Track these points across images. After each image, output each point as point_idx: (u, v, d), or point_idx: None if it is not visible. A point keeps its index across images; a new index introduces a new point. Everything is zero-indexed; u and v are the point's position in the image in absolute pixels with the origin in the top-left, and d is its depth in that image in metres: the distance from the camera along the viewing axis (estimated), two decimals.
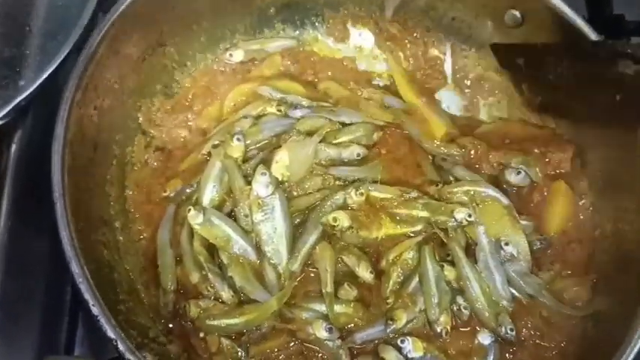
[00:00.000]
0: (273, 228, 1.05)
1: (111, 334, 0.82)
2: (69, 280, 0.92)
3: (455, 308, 1.04)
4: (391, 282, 1.04)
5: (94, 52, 1.01)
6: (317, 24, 1.28)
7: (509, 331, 1.01)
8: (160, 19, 1.13)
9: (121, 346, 0.82)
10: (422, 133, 1.18)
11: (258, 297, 1.02)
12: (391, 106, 1.21)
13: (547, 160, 1.13)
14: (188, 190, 1.11)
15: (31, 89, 0.98)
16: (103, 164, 1.08)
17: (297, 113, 1.16)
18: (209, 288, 1.02)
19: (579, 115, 1.12)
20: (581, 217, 1.12)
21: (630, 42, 1.05)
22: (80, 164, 0.99)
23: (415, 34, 1.27)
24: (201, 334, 1.00)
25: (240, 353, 0.99)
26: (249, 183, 1.06)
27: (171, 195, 1.11)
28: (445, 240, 1.06)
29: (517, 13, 1.14)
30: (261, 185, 1.05)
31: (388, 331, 1.00)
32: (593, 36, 1.07)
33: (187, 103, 1.20)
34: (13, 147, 1.04)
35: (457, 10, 1.21)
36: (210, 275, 1.03)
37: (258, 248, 1.05)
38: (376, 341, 1.01)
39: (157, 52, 1.16)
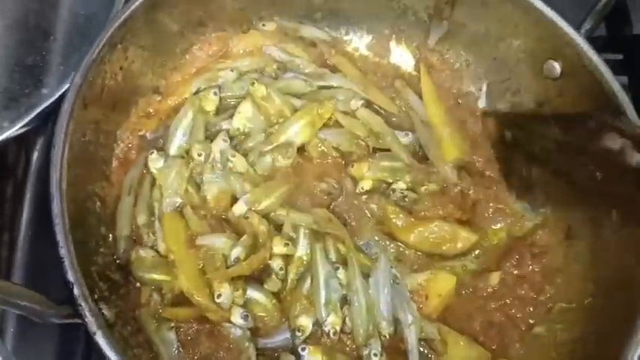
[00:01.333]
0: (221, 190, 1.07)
1: (70, 277, 0.83)
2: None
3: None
4: (289, 281, 1.03)
5: (132, 14, 1.03)
6: (361, 37, 1.29)
7: (372, 357, 0.98)
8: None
9: (76, 291, 0.82)
10: (433, 147, 1.18)
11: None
12: (411, 107, 1.22)
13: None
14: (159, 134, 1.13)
15: (54, 98, 1.01)
16: (117, 121, 1.10)
17: (288, 75, 1.19)
18: (150, 234, 1.03)
19: (562, 192, 1.08)
20: None
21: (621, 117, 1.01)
22: (93, 116, 1.01)
23: (455, 67, 1.27)
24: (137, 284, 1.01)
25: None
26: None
27: (147, 135, 1.12)
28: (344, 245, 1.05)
29: (556, 66, 1.12)
30: (220, 149, 1.07)
31: (296, 342, 0.99)
32: (629, 106, 1.03)
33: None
34: (35, 154, 1.09)
35: (500, 52, 1.20)
36: (157, 223, 1.04)
37: None
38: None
39: (197, 31, 1.18)
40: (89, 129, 1.00)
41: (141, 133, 1.13)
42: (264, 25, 1.24)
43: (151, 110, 1.15)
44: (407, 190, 1.14)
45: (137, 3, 1.03)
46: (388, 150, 1.16)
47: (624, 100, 1.03)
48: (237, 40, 1.23)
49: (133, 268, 1.01)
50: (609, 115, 0.98)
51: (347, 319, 1.01)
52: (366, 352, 0.98)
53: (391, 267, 1.05)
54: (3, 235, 1.09)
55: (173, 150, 1.10)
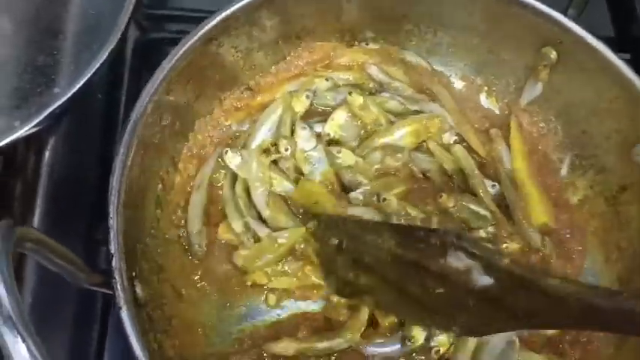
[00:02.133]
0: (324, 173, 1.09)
1: (112, 248, 0.85)
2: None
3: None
4: None
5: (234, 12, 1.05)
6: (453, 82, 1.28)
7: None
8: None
9: (114, 263, 0.84)
10: (518, 206, 1.14)
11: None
12: (501, 159, 1.19)
13: None
14: (242, 127, 1.16)
15: (66, 97, 1.00)
16: (197, 111, 1.13)
17: (385, 95, 1.19)
18: (249, 237, 1.06)
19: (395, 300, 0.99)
20: None
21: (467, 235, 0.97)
22: (175, 102, 1.04)
23: (542, 132, 1.23)
24: None
25: None
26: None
27: (232, 126, 1.15)
28: None
29: None
30: (303, 139, 1.09)
31: (404, 350, 0.99)
32: None
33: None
34: (47, 154, 1.10)
35: (590, 125, 1.16)
36: (249, 220, 1.06)
37: None
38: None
39: (293, 43, 1.21)
40: (168, 113, 1.03)
41: (227, 123, 1.16)
42: (367, 44, 1.25)
43: (240, 105, 1.18)
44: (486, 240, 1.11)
45: (242, 2, 1.05)
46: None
47: None
48: (340, 53, 1.24)
49: (247, 266, 1.05)
50: (454, 235, 0.90)
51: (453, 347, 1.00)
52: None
53: None
54: None
55: (256, 143, 1.12)
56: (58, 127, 1.14)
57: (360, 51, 1.24)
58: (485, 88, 1.26)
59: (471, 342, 1.00)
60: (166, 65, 0.99)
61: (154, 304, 0.97)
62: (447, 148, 1.18)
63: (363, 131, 1.14)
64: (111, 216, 0.87)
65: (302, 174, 1.11)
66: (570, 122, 1.19)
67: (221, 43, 1.08)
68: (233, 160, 1.09)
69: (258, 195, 1.08)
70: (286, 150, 1.09)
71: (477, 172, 1.15)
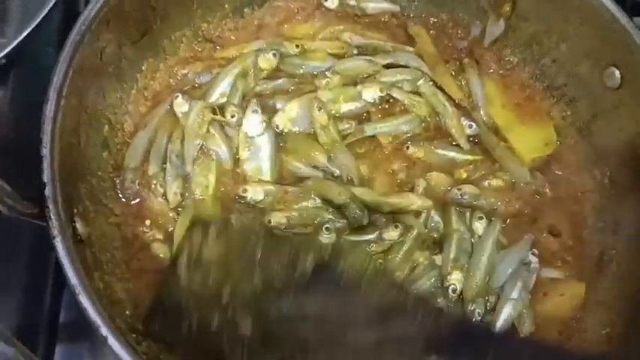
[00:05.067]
0: (258, 167, 1.03)
1: (44, 177, 0.80)
2: None
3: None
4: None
5: None
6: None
7: (476, 315, 0.97)
8: None
9: (47, 191, 0.79)
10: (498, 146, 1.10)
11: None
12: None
13: None
14: (202, 79, 1.11)
15: (12, 46, 0.99)
16: (144, 53, 1.08)
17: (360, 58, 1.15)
18: (159, 186, 1.01)
19: None
20: None
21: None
22: (116, 36, 0.99)
23: (507, 67, 1.19)
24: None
25: None
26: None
27: (189, 75, 1.11)
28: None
29: (617, 74, 1.03)
30: (251, 123, 1.03)
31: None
32: None
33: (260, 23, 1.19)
34: None
35: (560, 53, 1.12)
36: (169, 166, 1.01)
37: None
38: None
39: None
40: (108, 48, 0.98)
41: (184, 71, 1.11)
42: (326, 0, 1.20)
43: (201, 55, 1.14)
44: (466, 182, 1.07)
45: None
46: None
47: None
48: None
49: None
50: None
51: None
52: (470, 308, 0.97)
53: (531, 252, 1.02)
54: None
55: (213, 97, 1.08)
56: (5, 83, 1.10)
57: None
58: (451, 24, 1.21)
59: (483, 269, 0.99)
60: None
61: (100, 245, 0.92)
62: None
63: (312, 130, 1.08)
64: (44, 144, 0.82)
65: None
66: (539, 52, 1.15)
67: None
68: (181, 106, 1.05)
69: (189, 146, 1.03)
70: (232, 117, 1.05)
71: (449, 108, 1.11)
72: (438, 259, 1.01)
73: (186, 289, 0.86)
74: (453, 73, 1.15)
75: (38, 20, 1.05)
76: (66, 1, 1.16)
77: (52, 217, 0.78)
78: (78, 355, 1.01)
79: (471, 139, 1.11)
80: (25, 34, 1.02)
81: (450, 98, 1.12)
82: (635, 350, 0.91)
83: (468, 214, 1.03)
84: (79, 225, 0.85)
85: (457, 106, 1.12)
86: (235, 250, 0.89)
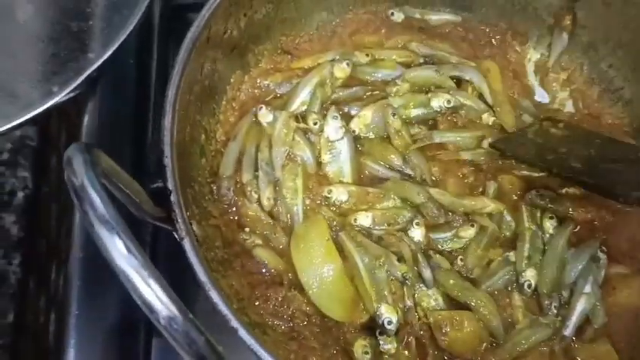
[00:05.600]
0: (339, 169, 1.11)
1: (169, 184, 0.88)
2: None
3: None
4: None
5: None
6: None
7: (553, 308, 1.04)
8: None
9: (173, 197, 0.87)
10: None
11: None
12: None
13: None
14: (282, 89, 1.19)
15: (100, 61, 1.03)
16: (233, 65, 1.16)
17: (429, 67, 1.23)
18: (253, 192, 1.08)
19: None
20: None
21: None
22: (213, 53, 1.07)
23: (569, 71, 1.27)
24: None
25: None
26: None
27: (270, 86, 1.18)
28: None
29: None
30: (331, 128, 1.11)
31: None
32: None
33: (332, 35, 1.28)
34: (86, 117, 1.13)
35: (617, 58, 1.20)
36: (260, 174, 1.09)
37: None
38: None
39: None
40: (207, 64, 1.06)
41: (266, 82, 1.19)
42: (392, 13, 1.29)
43: (280, 66, 1.22)
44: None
45: None
46: None
47: None
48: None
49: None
50: None
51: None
52: (546, 302, 1.05)
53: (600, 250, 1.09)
54: (51, 206, 1.14)
55: (293, 107, 1.15)
56: (94, 93, 1.16)
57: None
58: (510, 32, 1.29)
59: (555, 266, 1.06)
60: (206, 13, 1.01)
61: (206, 246, 1.00)
62: None
63: (385, 134, 1.16)
64: (166, 155, 0.90)
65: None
66: (596, 58, 1.22)
67: None
68: (265, 117, 1.12)
69: (277, 154, 1.11)
70: (315, 124, 1.12)
71: None
72: (512, 256, 1.08)
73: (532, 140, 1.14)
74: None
75: (123, 37, 1.10)
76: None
77: (179, 220, 0.86)
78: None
79: None
80: (112, 49, 1.06)
81: None
82: None
83: (538, 214, 1.10)
84: (195, 227, 0.92)
85: None
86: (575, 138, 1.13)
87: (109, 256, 0.59)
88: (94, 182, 0.62)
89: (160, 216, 0.87)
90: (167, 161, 0.89)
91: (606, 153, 1.09)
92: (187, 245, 0.85)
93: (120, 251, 0.58)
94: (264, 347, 0.81)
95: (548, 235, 1.09)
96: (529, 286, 1.04)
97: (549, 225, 1.09)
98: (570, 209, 1.11)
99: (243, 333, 0.81)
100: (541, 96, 1.26)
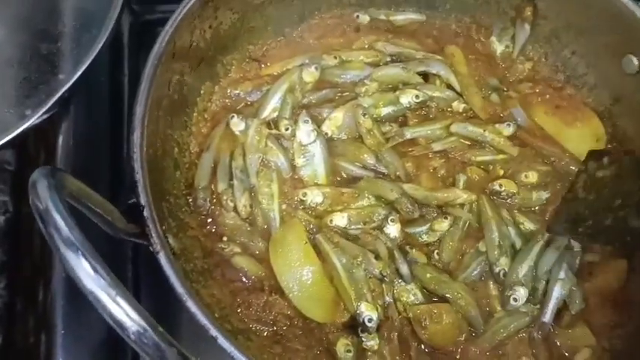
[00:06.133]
0: (313, 172, 1.13)
1: (141, 200, 0.89)
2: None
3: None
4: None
5: None
6: None
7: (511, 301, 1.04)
8: None
9: (145, 212, 0.88)
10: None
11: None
12: (514, 119, 1.21)
13: None
14: (253, 96, 1.20)
15: (71, 82, 1.02)
16: (202, 77, 1.17)
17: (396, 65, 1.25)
18: (229, 201, 1.09)
19: None
20: None
21: None
22: (180, 67, 1.09)
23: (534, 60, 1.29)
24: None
25: None
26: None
27: (241, 94, 1.20)
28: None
29: (635, 60, 1.12)
30: (303, 132, 1.13)
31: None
32: None
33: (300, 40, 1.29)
34: (60, 137, 1.13)
35: (579, 45, 1.22)
36: (235, 182, 1.10)
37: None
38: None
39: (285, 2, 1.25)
40: (175, 78, 1.07)
41: (236, 92, 1.20)
42: (357, 16, 1.30)
43: (249, 74, 1.24)
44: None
45: None
46: None
47: None
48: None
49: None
50: None
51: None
52: (508, 293, 1.05)
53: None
54: (34, 226, 1.14)
55: (264, 114, 1.17)
56: (67, 114, 1.17)
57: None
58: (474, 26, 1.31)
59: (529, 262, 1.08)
60: (169, 28, 1.02)
61: (185, 257, 1.02)
62: None
63: (357, 134, 1.18)
64: (136, 170, 0.91)
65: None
66: (559, 46, 1.25)
67: (217, 5, 1.12)
68: (237, 125, 1.14)
69: (251, 161, 1.12)
70: (286, 129, 1.14)
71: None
72: (482, 246, 1.10)
73: (584, 201, 1.05)
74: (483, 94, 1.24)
75: (93, 57, 1.11)
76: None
77: (153, 234, 0.87)
78: None
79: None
80: (82, 70, 1.05)
81: None
82: None
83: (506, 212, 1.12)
84: (170, 240, 0.94)
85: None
86: (626, 173, 1.04)
87: (77, 278, 0.60)
88: (58, 205, 0.64)
89: (134, 232, 0.88)
90: (138, 177, 0.91)
91: None
92: (163, 259, 0.86)
93: (87, 272, 0.60)
94: (243, 353, 0.82)
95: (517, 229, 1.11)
96: (504, 274, 1.06)
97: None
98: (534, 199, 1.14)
99: (222, 341, 0.83)
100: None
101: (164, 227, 0.95)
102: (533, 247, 1.08)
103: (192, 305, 0.84)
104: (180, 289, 0.84)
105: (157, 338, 0.60)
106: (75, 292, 1.01)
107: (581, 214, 1.05)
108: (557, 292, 1.05)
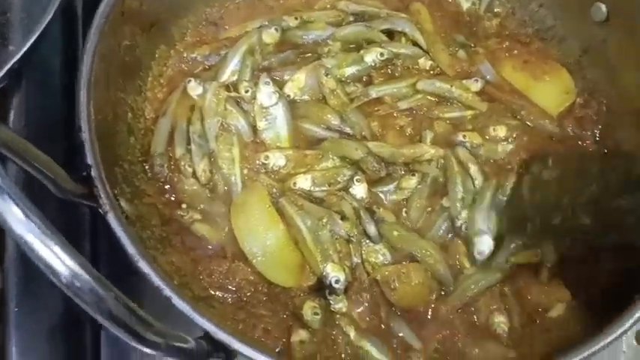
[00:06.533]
0: (276, 134, 1.09)
1: (88, 160, 0.84)
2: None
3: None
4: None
5: None
6: None
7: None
8: None
9: (93, 172, 0.84)
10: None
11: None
12: (482, 76, 1.18)
13: None
14: (211, 60, 1.16)
15: (21, 53, 1.01)
16: (156, 40, 1.13)
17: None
18: (187, 167, 1.05)
19: None
20: None
21: None
22: (130, 28, 1.04)
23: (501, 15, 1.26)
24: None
25: None
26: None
27: (198, 58, 1.16)
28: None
29: (603, 8, 1.09)
30: (264, 94, 1.08)
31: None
32: None
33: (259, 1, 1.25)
34: (12, 111, 1.09)
35: None
36: (193, 147, 1.06)
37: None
38: None
39: None
40: (125, 39, 1.03)
41: (193, 55, 1.16)
42: None
43: (207, 38, 1.19)
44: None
45: None
46: None
47: None
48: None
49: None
50: None
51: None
52: (472, 248, 1.03)
53: None
54: None
55: (224, 76, 1.13)
56: (19, 87, 1.12)
57: None
58: None
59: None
60: None
61: (141, 224, 0.97)
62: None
63: (321, 95, 1.14)
64: (84, 130, 0.87)
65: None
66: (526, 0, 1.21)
67: None
68: (195, 90, 1.10)
69: (210, 125, 1.08)
70: (246, 92, 1.10)
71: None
72: (445, 202, 1.06)
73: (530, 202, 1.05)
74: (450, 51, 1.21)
75: (42, 28, 1.07)
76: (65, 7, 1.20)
77: (102, 195, 0.83)
78: None
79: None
80: (31, 40, 1.03)
81: None
82: None
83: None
84: (123, 203, 0.90)
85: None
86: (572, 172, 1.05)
87: (6, 225, 0.56)
88: None
89: (81, 192, 0.84)
90: (85, 136, 0.87)
91: (609, 180, 1.04)
92: (112, 219, 0.82)
93: (17, 218, 0.55)
94: (199, 312, 0.78)
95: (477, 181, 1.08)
96: (466, 227, 1.03)
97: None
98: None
99: (177, 301, 0.79)
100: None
101: (116, 191, 0.90)
102: (485, 194, 1.05)
103: (144, 266, 0.80)
104: (131, 249, 0.80)
105: (94, 283, 0.56)
106: (30, 270, 0.99)
107: (527, 214, 1.05)
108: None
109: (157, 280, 0.79)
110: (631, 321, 0.85)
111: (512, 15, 1.24)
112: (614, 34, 1.09)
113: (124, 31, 1.02)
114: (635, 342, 1.13)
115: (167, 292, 0.79)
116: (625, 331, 0.85)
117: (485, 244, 1.01)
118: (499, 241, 1.03)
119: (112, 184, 0.87)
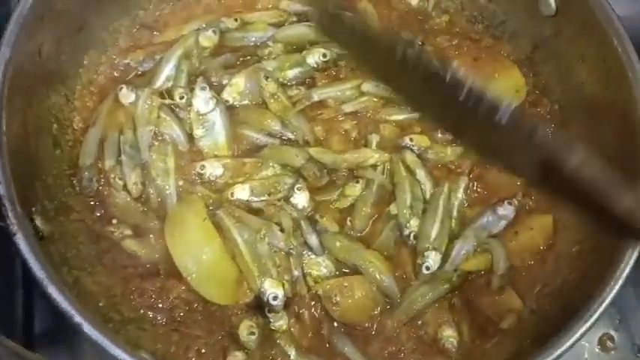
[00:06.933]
0: (214, 142, 1.04)
1: None
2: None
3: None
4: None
5: None
6: None
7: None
8: None
9: (1, 190, 0.78)
10: None
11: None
12: None
13: None
14: (145, 66, 1.10)
15: None
16: (84, 45, 1.07)
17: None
18: (118, 179, 1.00)
19: None
20: None
21: None
22: (52, 32, 0.97)
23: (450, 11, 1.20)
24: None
25: None
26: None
27: (131, 64, 1.10)
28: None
29: (552, 1, 1.04)
30: (200, 100, 1.03)
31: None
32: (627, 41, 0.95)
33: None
34: None
35: None
36: (124, 158, 1.00)
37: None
38: None
39: None
40: (46, 44, 0.96)
41: (125, 61, 1.10)
42: None
43: (141, 42, 1.13)
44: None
45: None
46: None
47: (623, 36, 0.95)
48: None
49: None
50: None
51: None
52: (419, 261, 0.97)
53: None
54: None
55: (159, 82, 1.08)
56: None
57: None
58: None
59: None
60: None
61: (65, 242, 0.92)
62: None
63: (261, 100, 1.08)
64: None
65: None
66: None
67: None
68: (127, 97, 1.05)
69: (142, 134, 1.02)
70: (181, 98, 1.04)
71: None
72: (393, 209, 1.01)
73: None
74: None
75: None
76: None
77: (10, 214, 0.77)
78: None
79: None
80: None
81: None
82: None
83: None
84: (38, 222, 0.84)
85: None
86: None
87: None
88: None
89: None
90: None
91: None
92: (21, 240, 0.76)
93: None
94: (110, 338, 0.72)
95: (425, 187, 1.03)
96: (414, 237, 0.98)
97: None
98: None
99: (87, 328, 0.73)
100: None
101: (34, 209, 0.85)
102: (437, 204, 1.01)
103: (53, 291, 0.74)
104: (39, 272, 0.75)
105: None
106: None
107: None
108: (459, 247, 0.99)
109: (66, 306, 0.73)
110: (582, 330, 0.80)
111: (462, 11, 1.19)
112: (565, 28, 1.04)
113: (45, 36, 0.96)
114: (597, 349, 1.08)
115: (77, 318, 0.73)
116: (577, 341, 0.80)
117: (433, 261, 0.96)
118: (449, 248, 0.98)
119: (26, 201, 0.82)
